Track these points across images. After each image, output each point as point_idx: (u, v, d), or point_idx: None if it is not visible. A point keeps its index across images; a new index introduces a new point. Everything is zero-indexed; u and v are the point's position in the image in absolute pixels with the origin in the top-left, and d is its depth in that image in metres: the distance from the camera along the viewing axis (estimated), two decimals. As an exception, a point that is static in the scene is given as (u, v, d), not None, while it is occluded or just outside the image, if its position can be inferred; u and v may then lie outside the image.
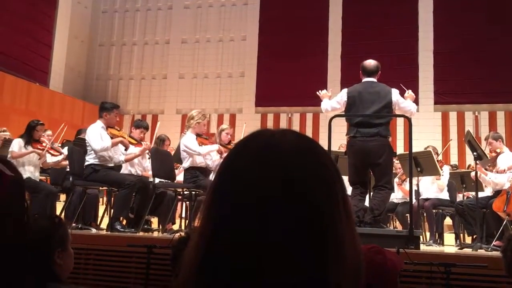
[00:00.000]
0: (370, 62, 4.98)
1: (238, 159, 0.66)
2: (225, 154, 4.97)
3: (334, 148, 6.64)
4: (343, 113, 4.96)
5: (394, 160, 5.90)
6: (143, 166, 6.23)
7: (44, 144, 6.10)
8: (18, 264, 0.81)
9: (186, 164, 5.69)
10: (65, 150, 6.25)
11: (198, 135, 5.75)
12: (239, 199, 0.62)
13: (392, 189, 5.02)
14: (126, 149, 5.82)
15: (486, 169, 5.94)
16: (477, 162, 5.47)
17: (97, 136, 5.41)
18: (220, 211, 0.63)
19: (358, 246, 0.65)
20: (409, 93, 5.00)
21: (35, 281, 0.78)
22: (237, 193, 0.62)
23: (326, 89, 5.31)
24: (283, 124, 12.33)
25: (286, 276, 0.58)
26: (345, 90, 5.02)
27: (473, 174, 5.84)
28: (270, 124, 12.26)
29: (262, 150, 0.64)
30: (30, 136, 5.99)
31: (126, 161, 5.87)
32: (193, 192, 5.80)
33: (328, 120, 4.88)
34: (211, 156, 5.82)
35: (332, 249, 0.60)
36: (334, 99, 5.05)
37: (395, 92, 4.86)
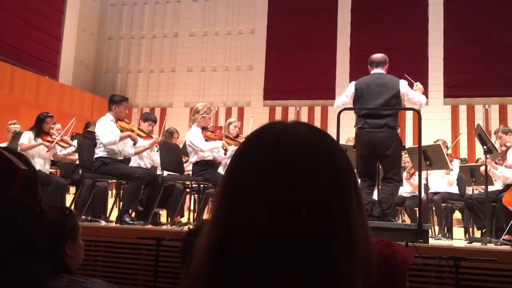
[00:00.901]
0: (377, 54, 5.00)
1: (250, 152, 0.66)
2: (230, 149, 4.96)
3: (342, 141, 6.62)
4: (352, 106, 4.95)
5: (403, 153, 5.87)
6: (152, 159, 6.26)
7: (53, 137, 6.14)
8: (32, 257, 0.82)
9: (193, 158, 5.71)
10: (74, 143, 6.29)
11: (204, 128, 5.75)
12: (251, 192, 0.62)
13: (400, 181, 4.99)
14: (134, 144, 5.84)
15: (496, 163, 5.89)
16: (487, 155, 5.43)
17: (105, 129, 5.44)
18: (232, 202, 0.63)
19: (370, 239, 0.65)
20: (418, 85, 4.97)
21: (47, 272, 0.79)
22: (248, 185, 0.62)
23: (335, 82, 5.31)
24: (291, 118, 12.30)
25: (298, 266, 0.58)
26: (353, 83, 5.00)
27: (482, 168, 5.80)
28: (278, 117, 12.25)
29: (274, 143, 0.64)
30: (40, 128, 6.03)
31: (136, 154, 5.90)
32: (202, 185, 5.82)
33: (337, 113, 4.86)
34: (218, 149, 5.82)
35: (344, 242, 0.60)
36: (343, 93, 5.04)
37: (403, 83, 4.83)
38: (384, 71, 4.92)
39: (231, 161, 0.67)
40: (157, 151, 6.19)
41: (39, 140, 5.94)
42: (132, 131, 5.71)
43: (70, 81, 13.10)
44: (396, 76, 4.95)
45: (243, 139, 0.70)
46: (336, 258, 0.59)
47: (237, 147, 0.68)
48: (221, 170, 5.86)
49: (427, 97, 11.22)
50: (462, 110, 11.49)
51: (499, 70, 11.01)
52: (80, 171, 5.81)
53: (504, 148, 5.78)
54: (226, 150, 5.78)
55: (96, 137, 5.51)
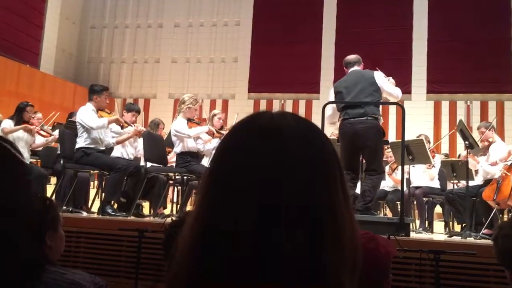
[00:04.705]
0: (351, 55, 5.09)
1: (236, 142, 0.64)
2: (213, 142, 4.92)
3: (327, 134, 6.64)
4: (335, 100, 4.96)
5: (385, 147, 5.90)
6: (133, 146, 6.18)
7: (34, 127, 6.04)
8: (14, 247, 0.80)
9: (177, 148, 5.67)
10: (56, 133, 6.20)
11: (189, 120, 5.72)
12: (236, 183, 0.60)
13: (382, 173, 5.02)
14: (122, 128, 5.78)
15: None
16: (469, 150, 5.50)
17: (91, 114, 5.35)
18: (217, 194, 0.61)
19: (357, 233, 0.64)
20: (390, 79, 4.99)
21: (28, 262, 0.77)
22: (234, 177, 0.61)
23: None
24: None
25: (284, 262, 0.57)
26: (331, 89, 5.07)
27: (463, 154, 5.87)
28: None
29: (261, 133, 0.63)
30: (20, 118, 5.94)
31: (117, 143, 5.84)
32: (185, 177, 5.79)
33: (322, 107, 4.87)
34: (202, 140, 5.80)
35: (331, 237, 0.59)
36: (329, 105, 5.00)
37: (378, 73, 4.87)
38: (360, 68, 4.98)
39: (215, 151, 0.66)
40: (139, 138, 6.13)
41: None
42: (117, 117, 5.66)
43: (52, 70, 12.88)
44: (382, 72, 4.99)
45: (228, 131, 0.68)
46: (323, 254, 0.58)
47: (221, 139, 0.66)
48: (205, 162, 5.83)
49: (410, 92, 11.35)
50: (445, 105, 11.62)
51: (480, 67, 11.15)
52: (61, 161, 5.73)
53: (486, 143, 5.85)
54: (212, 134, 5.77)
55: (78, 126, 5.41)
